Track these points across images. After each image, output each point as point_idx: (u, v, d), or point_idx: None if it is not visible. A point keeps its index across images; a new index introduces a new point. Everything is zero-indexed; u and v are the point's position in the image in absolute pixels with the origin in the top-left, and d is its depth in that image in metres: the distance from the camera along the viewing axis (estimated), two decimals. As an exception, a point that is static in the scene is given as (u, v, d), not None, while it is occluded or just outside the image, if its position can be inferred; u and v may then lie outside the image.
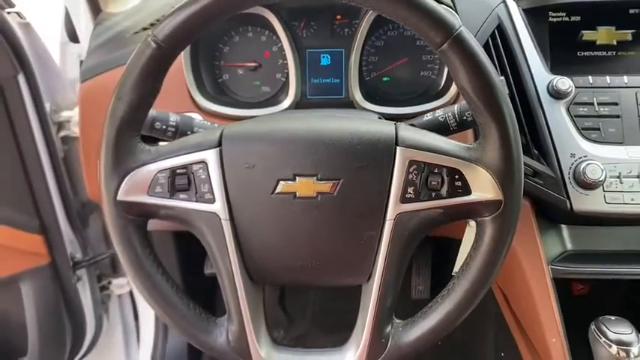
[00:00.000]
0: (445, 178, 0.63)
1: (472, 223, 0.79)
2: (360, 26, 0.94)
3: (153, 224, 0.70)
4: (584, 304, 0.98)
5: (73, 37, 1.22)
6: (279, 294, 1.66)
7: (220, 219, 0.66)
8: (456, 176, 0.63)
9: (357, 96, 0.95)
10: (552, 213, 0.90)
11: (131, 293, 1.55)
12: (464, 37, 0.59)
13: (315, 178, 0.64)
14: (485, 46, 0.92)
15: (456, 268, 0.85)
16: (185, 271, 1.41)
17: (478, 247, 0.65)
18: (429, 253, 1.52)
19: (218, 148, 0.65)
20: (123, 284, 1.52)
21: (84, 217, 1.39)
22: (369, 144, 0.64)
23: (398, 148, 0.64)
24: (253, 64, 1.00)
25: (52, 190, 1.23)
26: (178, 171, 0.66)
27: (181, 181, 0.66)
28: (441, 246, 1.45)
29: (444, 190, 0.63)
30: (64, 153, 1.29)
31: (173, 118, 0.78)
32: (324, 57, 0.98)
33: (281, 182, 0.64)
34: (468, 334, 1.44)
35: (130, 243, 0.67)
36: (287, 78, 0.98)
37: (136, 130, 0.66)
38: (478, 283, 0.65)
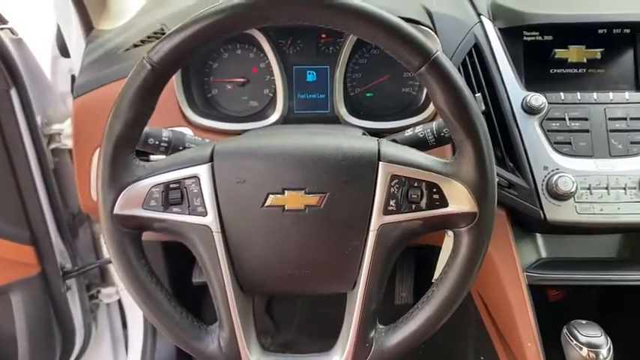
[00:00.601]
0: (424, 191, 0.67)
1: (450, 232, 0.83)
2: (345, 45, 0.98)
3: (144, 235, 0.73)
4: (558, 310, 1.03)
5: (64, 52, 1.24)
6: (267, 302, 1.69)
7: (212, 231, 0.69)
8: (434, 190, 0.67)
9: (342, 111, 0.99)
10: (527, 222, 0.95)
11: (119, 302, 1.56)
12: (440, 61, 0.63)
13: (303, 191, 0.68)
14: (463, 64, 0.97)
15: (436, 275, 0.90)
16: (173, 280, 1.44)
17: (455, 256, 0.69)
18: (412, 260, 1.57)
19: (210, 164, 0.69)
20: (111, 293, 1.53)
21: (74, 228, 1.40)
22: (354, 159, 0.68)
23: (380, 163, 0.68)
24: (242, 80, 1.04)
25: (42, 202, 1.24)
26: (172, 185, 0.69)
27: (174, 195, 0.69)
28: (423, 254, 1.49)
29: (423, 203, 0.68)
30: (54, 165, 1.30)
31: (166, 134, 0.81)
32: (310, 73, 1.02)
33: (270, 196, 0.68)
34: (449, 339, 1.48)
35: (125, 254, 0.70)
36: (274, 93, 1.02)
37: (131, 146, 0.69)
38: (456, 290, 0.69)
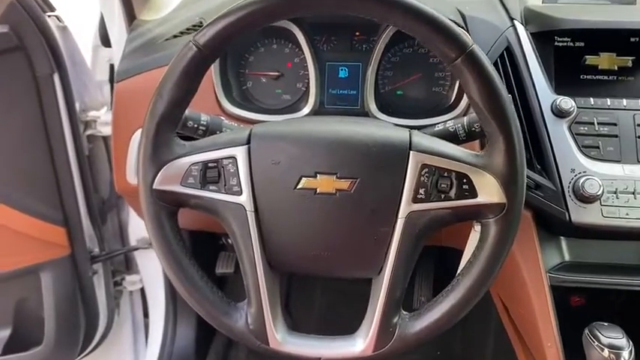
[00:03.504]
0: (454, 181, 0.69)
1: (477, 228, 0.85)
2: (378, 42, 1.01)
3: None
4: (579, 314, 1.03)
5: (106, 42, 1.28)
6: (285, 299, 1.71)
7: (246, 210, 0.72)
8: (464, 180, 0.69)
9: (372, 107, 1.01)
10: (552, 225, 0.95)
11: (142, 290, 1.60)
12: (476, 54, 0.65)
13: (335, 176, 0.70)
14: (494, 66, 0.98)
15: (459, 270, 0.91)
16: None
17: (482, 247, 0.71)
18: (432, 265, 1.57)
19: (247, 145, 0.72)
20: (135, 281, 1.57)
21: (102, 214, 1.45)
22: (385, 147, 0.70)
23: (411, 152, 0.70)
24: (276, 74, 1.07)
25: (76, 185, 1.29)
26: (210, 164, 0.72)
27: (212, 174, 0.72)
28: (443, 258, 1.50)
29: (452, 193, 0.69)
30: (88, 151, 1.35)
31: (204, 118, 0.84)
32: (342, 70, 1.04)
33: (303, 178, 0.70)
34: (468, 340, 1.49)
35: (162, 228, 0.72)
36: (307, 87, 1.05)
37: (173, 126, 0.72)
38: (480, 280, 0.70)
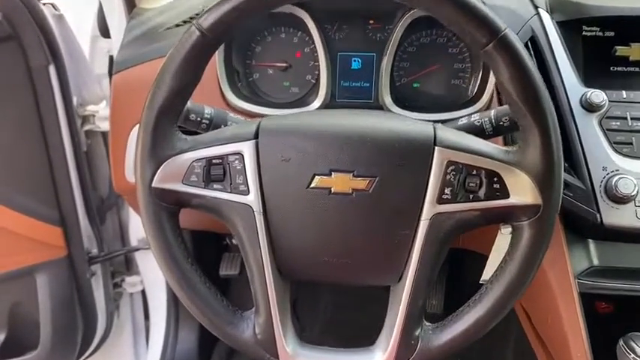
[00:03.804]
0: (483, 180, 0.63)
1: (504, 230, 0.78)
2: (394, 31, 0.94)
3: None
4: (607, 323, 0.97)
5: (105, 32, 1.23)
6: (292, 303, 1.65)
7: (253, 211, 0.66)
8: (495, 179, 0.63)
9: (387, 100, 0.95)
10: (581, 227, 0.89)
11: (143, 292, 1.55)
12: (510, 38, 0.59)
13: (352, 174, 0.64)
14: None
15: (485, 276, 0.85)
16: None
17: (513, 252, 0.64)
18: (445, 267, 1.51)
19: (255, 140, 0.66)
20: (136, 282, 1.52)
21: (101, 213, 1.39)
22: (407, 143, 0.64)
23: (436, 148, 0.63)
24: (284, 65, 1.00)
25: (73, 183, 1.24)
26: (214, 161, 0.66)
27: (216, 172, 0.66)
28: (455, 261, 1.44)
29: (481, 193, 0.63)
30: (86, 147, 1.30)
31: (208, 111, 0.78)
32: (355, 61, 0.98)
33: (317, 177, 0.64)
34: (487, 353, 1.42)
35: (161, 229, 0.67)
36: (317, 80, 0.98)
37: (174, 118, 0.66)
38: (512, 289, 0.64)
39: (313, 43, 0.96)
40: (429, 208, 0.63)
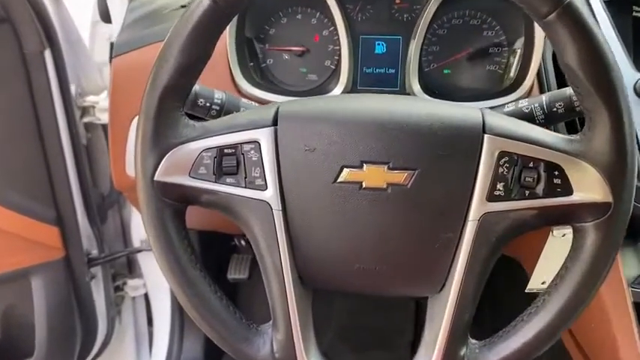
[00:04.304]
0: (542, 174, 0.54)
1: (557, 232, 0.69)
2: (423, 12, 0.85)
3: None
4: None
5: (105, 17, 1.14)
6: None
7: (272, 209, 0.57)
8: (556, 172, 0.54)
9: (415, 88, 0.86)
10: (635, 228, 0.80)
11: (146, 296, 1.48)
12: (576, 7, 0.50)
13: (387, 166, 0.55)
14: None
15: (532, 285, 0.75)
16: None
17: (576, 258, 0.55)
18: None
19: (273, 127, 0.57)
20: (138, 286, 1.45)
21: (102, 211, 1.32)
22: (452, 130, 0.55)
23: (486, 136, 0.54)
24: (300, 49, 0.91)
25: (71, 179, 1.16)
26: (226, 151, 0.57)
27: (229, 163, 0.57)
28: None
29: (539, 189, 0.54)
30: (86, 140, 1.22)
31: (218, 95, 0.70)
32: (379, 44, 0.89)
33: (345, 169, 0.55)
34: None
35: (165, 230, 0.58)
36: (337, 66, 0.90)
37: (180, 100, 0.58)
38: (575, 300, 0.55)
39: (333, 24, 0.88)
40: (477, 207, 0.54)
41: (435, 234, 0.56)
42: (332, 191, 0.56)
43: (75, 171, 1.17)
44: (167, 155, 0.57)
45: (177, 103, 0.57)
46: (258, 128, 0.57)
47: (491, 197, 0.54)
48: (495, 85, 0.89)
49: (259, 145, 0.57)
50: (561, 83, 0.80)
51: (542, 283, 0.82)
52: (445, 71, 0.90)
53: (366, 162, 0.55)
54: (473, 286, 0.56)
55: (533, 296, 0.60)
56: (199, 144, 0.57)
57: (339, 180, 0.55)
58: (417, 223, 0.56)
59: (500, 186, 0.54)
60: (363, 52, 0.89)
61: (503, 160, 0.54)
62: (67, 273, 1.21)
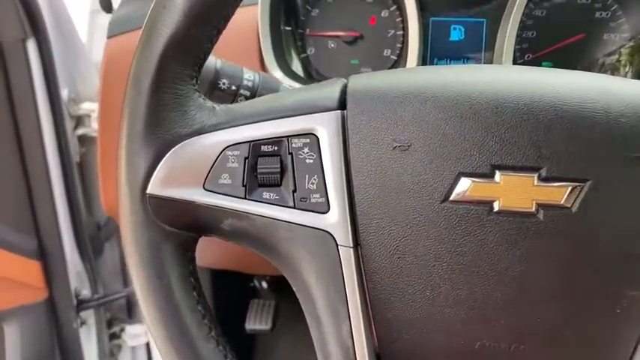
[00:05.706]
0: None
1: None
2: (516, -13, 0.69)
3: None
4: None
5: (106, 5, 0.97)
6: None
7: (337, 244, 0.36)
8: None
9: None
10: None
11: (148, 345, 1.31)
12: None
13: (537, 175, 0.34)
14: None
15: None
16: (219, 323, 1.11)
17: None
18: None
19: (340, 112, 0.36)
20: (139, 333, 1.29)
21: (97, 243, 1.17)
22: None
23: None
24: (352, 35, 0.75)
25: (58, 204, 1.01)
26: (264, 149, 0.37)
27: (269, 168, 0.36)
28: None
29: None
30: (79, 157, 1.06)
31: (249, 76, 0.52)
32: (455, 29, 0.75)
33: (464, 179, 0.34)
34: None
35: (161, 277, 0.36)
36: (400, 56, 0.74)
37: (190, 64, 0.37)
38: None
39: (396, 3, 0.73)
40: None
41: (616, 290, 0.35)
42: (441, 216, 0.34)
43: (64, 193, 1.01)
44: (169, 154, 0.36)
45: (186, 70, 0.36)
46: (315, 112, 0.36)
47: None
48: (613, 80, 0.69)
49: (317, 139, 0.36)
50: None
51: None
52: (544, 64, 0.74)
53: (501, 167, 0.34)
54: None
55: None
56: (221, 136, 0.36)
57: (452, 197, 0.34)
58: (585, 272, 0.34)
59: None
60: (434, 39, 0.75)
61: None
62: (51, 318, 1.07)
